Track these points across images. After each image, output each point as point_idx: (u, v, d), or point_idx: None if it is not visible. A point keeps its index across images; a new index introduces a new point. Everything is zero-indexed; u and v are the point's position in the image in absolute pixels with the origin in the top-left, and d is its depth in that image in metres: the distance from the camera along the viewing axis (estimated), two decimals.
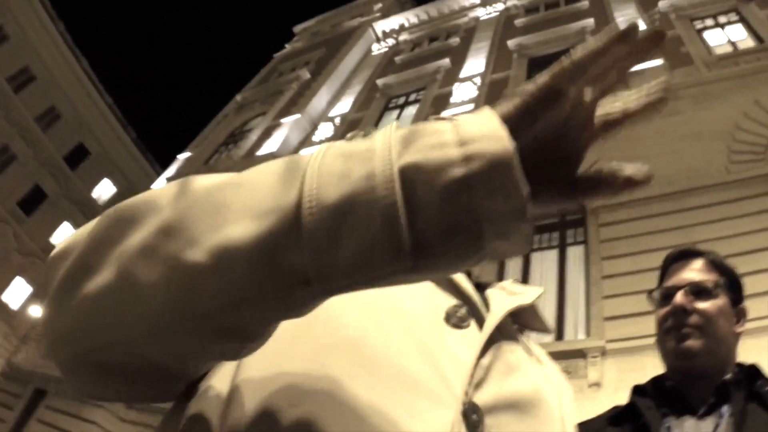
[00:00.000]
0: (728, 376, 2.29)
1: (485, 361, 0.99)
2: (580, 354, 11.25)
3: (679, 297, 2.41)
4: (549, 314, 12.80)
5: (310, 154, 0.73)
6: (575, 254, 14.04)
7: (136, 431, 15.77)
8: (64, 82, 38.81)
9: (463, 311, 1.05)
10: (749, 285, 9.19)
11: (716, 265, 2.52)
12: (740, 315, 2.49)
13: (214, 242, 0.70)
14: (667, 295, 2.48)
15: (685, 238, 12.10)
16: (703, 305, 2.38)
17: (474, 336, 1.03)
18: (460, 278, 1.14)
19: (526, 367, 1.09)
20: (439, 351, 0.95)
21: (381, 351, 0.90)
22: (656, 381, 2.46)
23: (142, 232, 0.76)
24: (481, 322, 1.06)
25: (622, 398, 2.50)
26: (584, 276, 13.20)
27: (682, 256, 2.60)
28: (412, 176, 0.66)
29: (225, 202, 0.73)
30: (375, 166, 0.67)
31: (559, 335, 12.29)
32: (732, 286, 2.49)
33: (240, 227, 0.69)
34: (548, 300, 13.09)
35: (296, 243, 0.67)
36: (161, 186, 0.85)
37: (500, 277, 11.59)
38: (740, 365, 2.38)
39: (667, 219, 12.92)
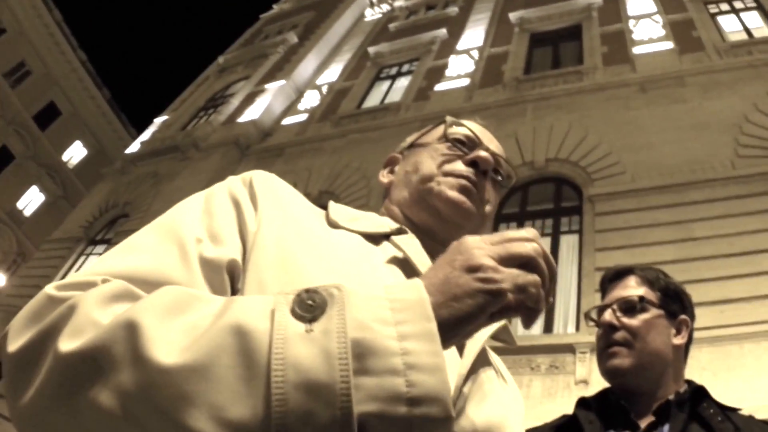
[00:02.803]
0: (671, 395, 2.41)
1: (465, 389, 1.18)
2: (569, 349, 11.28)
3: (607, 315, 2.58)
4: None
5: (265, 335, 0.87)
6: (569, 243, 14.07)
7: None
8: (35, 36, 38.45)
9: None
10: (750, 287, 9.25)
11: (647, 279, 2.65)
12: (681, 326, 2.60)
13: None
14: (601, 315, 2.64)
15: (684, 234, 12.17)
16: (629, 320, 2.52)
17: (453, 359, 1.18)
18: None
19: (497, 392, 1.30)
20: None
21: None
22: (602, 394, 2.58)
23: (103, 394, 0.87)
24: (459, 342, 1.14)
25: None
26: (577, 267, 13.22)
27: (616, 276, 2.75)
28: (368, 430, 0.83)
29: (185, 391, 0.83)
30: (335, 415, 0.81)
31: (548, 328, 12.33)
32: (668, 298, 2.60)
33: (208, 428, 0.81)
34: None
35: None
36: (102, 312, 0.96)
37: None
38: (689, 383, 2.50)
39: (667, 212, 12.95)
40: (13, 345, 0.98)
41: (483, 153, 1.68)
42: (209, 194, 1.34)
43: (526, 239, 1.07)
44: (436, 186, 1.62)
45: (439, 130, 1.79)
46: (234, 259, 1.20)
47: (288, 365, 0.83)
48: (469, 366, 1.22)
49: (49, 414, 0.92)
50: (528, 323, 1.06)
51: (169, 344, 0.87)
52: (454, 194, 1.61)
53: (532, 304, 1.02)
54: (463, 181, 1.63)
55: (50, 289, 1.04)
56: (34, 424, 0.94)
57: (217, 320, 0.90)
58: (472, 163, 1.67)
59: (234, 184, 1.36)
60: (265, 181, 1.38)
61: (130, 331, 0.89)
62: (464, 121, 1.79)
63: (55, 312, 0.98)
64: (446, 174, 1.65)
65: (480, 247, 1.04)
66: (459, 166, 1.66)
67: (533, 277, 1.03)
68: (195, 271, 1.15)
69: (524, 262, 1.04)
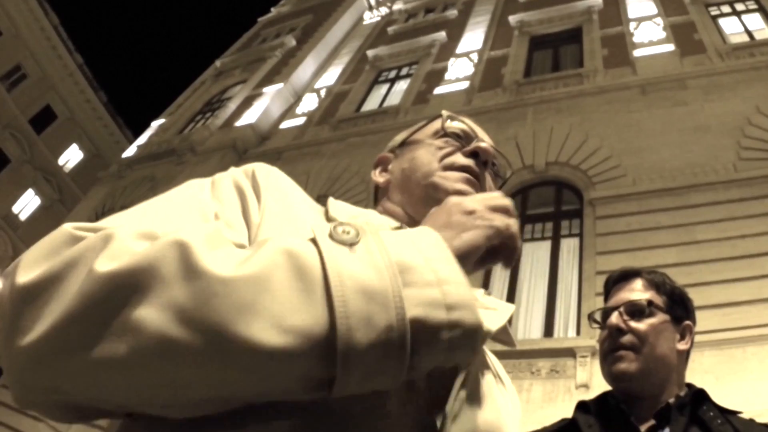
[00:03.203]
0: (672, 399, 2.40)
1: (462, 393, 1.21)
2: (570, 353, 11.26)
3: (614, 318, 2.55)
4: (539, 309, 12.85)
5: (314, 254, 0.93)
6: (569, 247, 14.08)
7: None
8: (31, 39, 38.48)
9: None
10: (753, 290, 9.24)
11: (654, 283, 2.63)
12: (685, 331, 2.59)
13: (244, 346, 0.84)
14: (606, 317, 2.62)
15: (686, 237, 12.16)
16: (637, 324, 2.50)
17: None
18: None
19: (494, 394, 1.35)
20: (420, 379, 1.14)
21: None
22: (601, 398, 2.57)
23: (152, 310, 0.85)
24: None
25: None
26: (577, 271, 13.21)
27: (622, 278, 2.72)
28: (418, 334, 0.91)
29: (247, 301, 0.86)
30: (391, 318, 0.89)
31: (548, 332, 12.33)
32: (674, 303, 2.59)
33: (272, 337, 0.85)
34: (538, 294, 13.15)
35: (327, 368, 0.88)
36: (149, 241, 0.94)
37: None
38: (690, 386, 2.50)
39: (669, 215, 12.95)
40: (26, 276, 0.92)
41: (483, 144, 1.68)
42: (215, 180, 1.34)
43: (502, 196, 1.25)
44: (441, 180, 1.61)
45: (434, 126, 1.78)
46: (243, 244, 1.18)
47: (344, 275, 0.90)
48: (465, 371, 1.24)
49: (69, 353, 0.86)
50: (509, 262, 1.22)
51: (222, 260, 0.90)
52: (461, 186, 1.59)
53: (514, 243, 1.20)
54: (466, 174, 1.63)
55: (69, 227, 1.00)
56: (46, 365, 0.88)
57: (261, 247, 0.94)
58: (473, 155, 1.67)
59: (237, 174, 1.35)
60: (267, 173, 1.37)
61: (180, 248, 0.90)
62: (459, 117, 1.79)
63: (82, 243, 0.95)
64: (447, 167, 1.64)
65: (468, 199, 1.22)
66: (460, 159, 1.66)
67: (514, 219, 1.22)
68: None
69: (504, 211, 1.21)
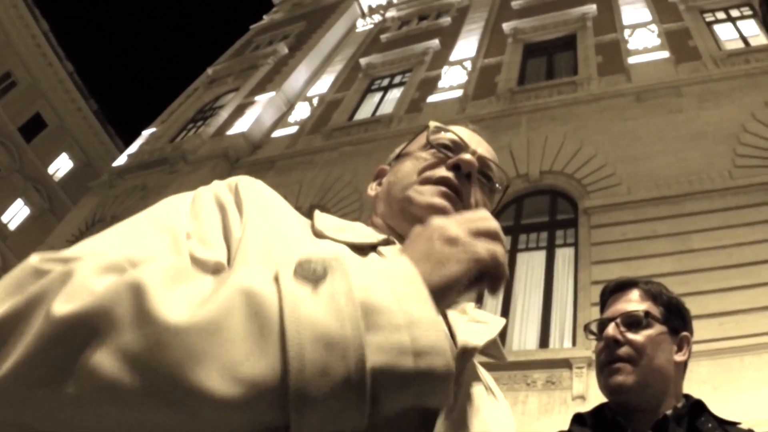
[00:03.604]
0: (669, 411, 2.38)
1: (452, 405, 1.20)
2: (566, 364, 11.24)
3: (610, 329, 2.53)
4: (534, 320, 12.83)
5: (273, 295, 0.89)
6: (564, 257, 14.07)
7: None
8: (21, 46, 38.42)
9: None
10: (749, 299, 9.26)
11: (651, 294, 2.61)
12: (682, 343, 2.58)
13: (193, 395, 0.82)
14: (602, 328, 2.60)
15: (682, 245, 12.17)
16: (634, 336, 2.48)
17: None
18: None
19: (486, 408, 1.33)
20: None
21: None
22: (598, 410, 2.55)
23: (105, 356, 0.84)
24: None
25: None
26: (573, 280, 13.21)
27: (618, 288, 2.70)
28: (379, 383, 0.87)
29: (198, 349, 0.84)
30: (350, 368, 0.85)
31: (544, 342, 12.31)
32: (671, 314, 2.58)
33: (223, 386, 0.82)
34: (533, 304, 13.13)
35: (281, 416, 0.85)
36: (111, 275, 0.93)
37: None
38: (687, 397, 2.48)
39: (664, 224, 12.96)
40: None
41: (465, 156, 1.64)
42: (195, 196, 1.32)
43: (488, 218, 1.19)
44: (414, 194, 1.60)
45: (423, 137, 1.76)
46: (220, 262, 1.19)
47: (301, 322, 0.86)
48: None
49: (28, 390, 0.85)
50: (494, 290, 1.15)
51: (176, 304, 0.87)
52: (435, 200, 1.57)
53: (499, 272, 1.13)
54: (442, 187, 1.59)
55: (34, 260, 0.99)
56: (7, 401, 0.87)
57: (221, 285, 0.91)
58: (455, 168, 1.64)
59: (219, 188, 1.34)
60: (250, 187, 1.36)
61: (135, 292, 0.88)
62: (449, 126, 1.77)
63: (44, 279, 0.93)
64: (424, 181, 1.62)
65: (451, 223, 1.15)
66: (439, 172, 1.63)
67: (501, 247, 1.15)
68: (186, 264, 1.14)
69: (489, 236, 1.15)
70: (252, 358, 0.84)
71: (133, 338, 0.84)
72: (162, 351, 0.83)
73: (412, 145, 1.79)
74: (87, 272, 0.92)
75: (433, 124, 1.77)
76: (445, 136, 1.73)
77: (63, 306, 0.87)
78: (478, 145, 1.74)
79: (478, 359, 1.44)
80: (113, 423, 0.85)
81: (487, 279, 1.13)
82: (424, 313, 0.93)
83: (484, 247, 1.12)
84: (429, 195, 1.58)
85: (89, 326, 0.85)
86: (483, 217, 1.18)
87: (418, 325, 0.91)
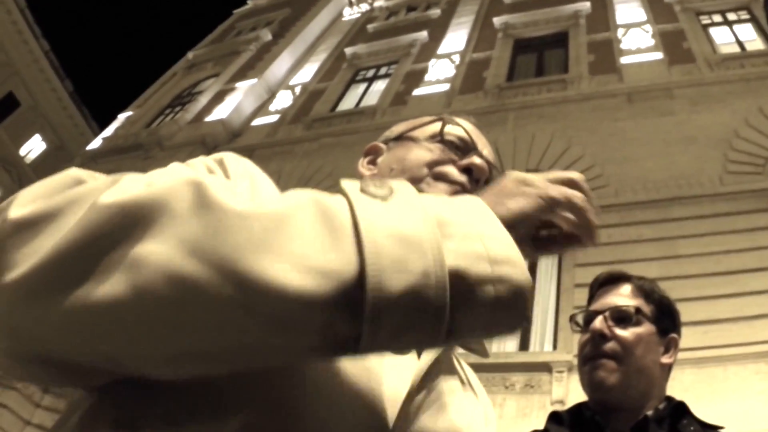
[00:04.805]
0: (650, 411, 2.34)
1: (419, 396, 1.18)
2: (545, 368, 11.29)
3: (598, 322, 2.46)
4: None
5: (343, 201, 0.88)
6: (547, 258, 14.07)
7: (50, 417, 15.55)
8: None
9: None
10: (735, 308, 9.26)
11: (644, 291, 2.56)
12: (670, 345, 2.52)
13: (260, 285, 0.77)
14: (589, 320, 2.54)
15: (669, 251, 12.21)
16: (622, 332, 2.42)
17: (412, 363, 1.20)
18: None
19: (460, 403, 1.30)
20: (376, 380, 1.11)
21: (328, 379, 1.04)
22: (576, 409, 2.51)
23: (160, 243, 0.79)
24: None
25: None
26: (555, 283, 13.23)
27: (610, 280, 2.65)
28: (458, 287, 0.84)
29: (266, 238, 0.80)
30: (428, 264, 0.83)
31: (524, 345, 12.33)
32: (661, 314, 2.52)
33: (292, 276, 0.78)
34: None
35: (354, 318, 0.81)
36: (160, 179, 0.88)
37: None
38: (669, 399, 2.43)
39: (651, 228, 13.01)
40: (19, 210, 0.86)
41: (478, 160, 1.60)
42: (189, 165, 1.28)
43: (571, 172, 1.20)
44: (427, 188, 1.53)
45: (434, 128, 1.69)
46: None
47: (375, 222, 0.85)
48: (422, 374, 1.20)
49: (66, 287, 0.79)
50: (588, 240, 1.21)
51: (239, 197, 0.85)
52: None
53: (582, 216, 1.16)
54: (458, 188, 1.55)
55: (75, 171, 0.95)
56: (33, 302, 0.81)
57: (284, 195, 0.91)
58: (466, 170, 1.59)
59: (207, 162, 1.31)
60: (236, 162, 1.33)
61: (194, 185, 0.85)
62: (461, 121, 1.72)
63: (87, 184, 0.90)
64: (437, 177, 1.57)
65: (531, 174, 1.15)
66: (453, 172, 1.58)
67: (580, 194, 1.15)
68: None
69: (567, 183, 1.16)
70: (324, 250, 0.81)
71: (193, 225, 0.80)
72: (225, 236, 0.79)
73: (418, 132, 1.71)
74: (136, 178, 0.90)
75: (447, 117, 1.72)
76: (457, 133, 1.67)
77: (112, 196, 0.83)
78: (484, 146, 1.69)
79: (461, 355, 1.42)
80: (164, 328, 0.80)
81: (577, 229, 1.17)
82: (494, 229, 0.93)
83: (557, 189, 1.12)
84: (443, 193, 1.51)
85: (142, 215, 0.81)
86: (565, 172, 1.19)
87: (490, 237, 0.90)
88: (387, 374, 1.12)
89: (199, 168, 1.26)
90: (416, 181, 1.53)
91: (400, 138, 1.74)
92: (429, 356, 1.23)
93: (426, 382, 1.20)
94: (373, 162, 1.74)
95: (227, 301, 0.77)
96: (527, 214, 1.07)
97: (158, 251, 0.78)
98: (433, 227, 0.86)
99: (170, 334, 0.80)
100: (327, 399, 1.01)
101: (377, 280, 0.79)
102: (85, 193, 0.86)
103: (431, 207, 0.90)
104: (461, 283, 0.84)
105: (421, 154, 1.62)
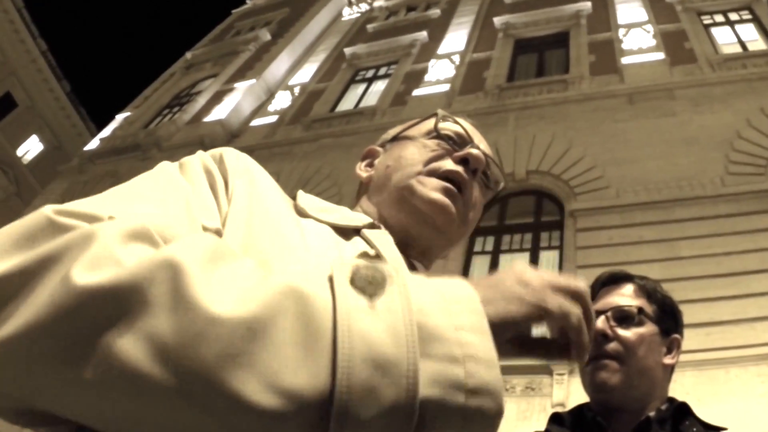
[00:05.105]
0: (652, 413, 2.33)
1: None
2: (546, 370, 11.28)
3: (600, 322, 2.44)
4: None
5: (327, 304, 0.85)
6: (548, 260, 14.09)
7: None
8: None
9: None
10: (737, 310, 9.26)
11: (646, 291, 2.55)
12: (672, 345, 2.52)
13: (227, 402, 0.77)
14: None
15: (670, 252, 12.20)
16: (624, 332, 2.41)
17: None
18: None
19: None
20: None
21: None
22: (577, 410, 2.51)
23: (130, 339, 0.78)
24: None
25: None
26: None
27: (612, 280, 2.64)
28: (427, 414, 0.83)
29: (239, 349, 0.78)
30: (400, 394, 0.81)
31: None
32: (664, 314, 2.52)
33: (261, 396, 0.77)
34: None
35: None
36: (137, 244, 0.88)
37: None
38: (671, 400, 2.42)
39: (652, 229, 13.00)
40: None
41: (475, 151, 1.60)
42: (183, 163, 1.29)
43: (576, 281, 1.12)
44: (418, 185, 1.54)
45: (428, 124, 1.70)
46: (219, 229, 1.18)
47: (354, 337, 0.82)
48: None
49: (36, 360, 0.80)
50: (579, 357, 1.13)
51: (219, 293, 0.82)
52: (437, 196, 1.52)
53: (574, 335, 1.09)
54: (446, 183, 1.55)
55: (49, 211, 0.93)
56: (10, 367, 0.82)
57: (266, 279, 0.87)
58: (462, 162, 1.59)
59: (205, 158, 1.32)
60: (236, 158, 1.34)
61: (172, 271, 0.82)
62: (456, 117, 1.71)
63: (61, 238, 0.87)
64: (431, 172, 1.57)
65: (533, 271, 1.08)
66: (447, 164, 1.58)
67: (577, 309, 1.08)
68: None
69: (569, 293, 1.08)
70: (296, 368, 0.80)
71: (166, 324, 0.79)
72: (200, 345, 0.78)
73: (414, 130, 1.72)
74: (111, 237, 0.87)
75: (441, 112, 1.72)
76: (452, 128, 1.67)
77: (86, 274, 0.81)
78: (480, 141, 1.69)
79: None
80: (127, 416, 0.80)
81: (561, 348, 1.13)
82: (481, 346, 0.89)
83: (555, 300, 1.06)
84: (431, 188, 1.54)
85: (118, 303, 0.80)
86: (569, 279, 1.12)
87: (475, 360, 0.88)
88: None
89: (195, 167, 1.27)
90: (410, 177, 1.56)
91: (397, 138, 1.74)
92: None
93: None
94: (370, 165, 1.75)
95: (190, 411, 0.78)
96: (517, 322, 1.03)
97: (126, 347, 0.78)
98: (414, 345, 0.84)
99: (132, 421, 0.81)
100: None
101: (344, 409, 0.79)
102: (57, 253, 0.85)
103: (418, 310, 0.88)
104: (432, 411, 0.84)
105: (417, 150, 1.63)
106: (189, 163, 1.28)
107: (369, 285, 0.89)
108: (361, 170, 1.75)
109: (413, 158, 1.61)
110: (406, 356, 0.83)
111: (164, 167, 1.27)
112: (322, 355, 0.81)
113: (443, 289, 0.94)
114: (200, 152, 1.35)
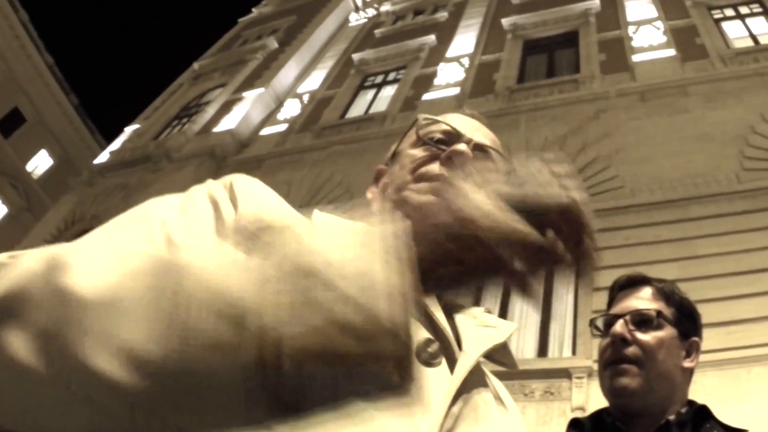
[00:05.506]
0: (672, 416, 2.32)
1: (455, 408, 1.15)
2: (565, 374, 11.22)
3: (618, 326, 2.44)
4: (532, 327, 12.77)
5: (182, 260, 0.81)
6: None
7: None
8: None
9: (434, 347, 1.18)
10: (758, 307, 9.21)
11: (665, 294, 2.54)
12: (691, 349, 2.50)
13: (92, 377, 0.74)
14: (609, 324, 2.52)
15: (687, 251, 12.14)
16: (643, 336, 2.41)
17: (444, 375, 1.18)
18: (434, 304, 1.27)
19: (494, 417, 1.28)
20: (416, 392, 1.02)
21: None
22: (596, 415, 2.50)
23: (16, 333, 0.78)
24: (451, 359, 1.21)
25: None
26: (573, 287, 13.14)
27: (630, 283, 2.63)
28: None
29: (98, 327, 0.76)
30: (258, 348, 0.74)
31: (542, 351, 12.27)
32: (683, 317, 2.51)
33: (114, 366, 0.74)
34: (531, 311, 13.07)
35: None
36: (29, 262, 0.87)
37: None
38: (691, 403, 2.41)
39: (669, 228, 12.94)
40: None
41: (458, 147, 1.55)
42: (185, 195, 1.28)
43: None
44: (409, 194, 1.50)
45: (413, 133, 1.68)
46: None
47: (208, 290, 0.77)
48: (458, 383, 1.18)
49: None
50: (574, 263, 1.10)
51: (86, 274, 0.81)
52: (424, 198, 1.47)
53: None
54: (436, 184, 1.48)
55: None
56: None
57: (137, 254, 0.86)
58: (449, 161, 1.54)
59: (213, 185, 1.30)
60: (245, 183, 1.31)
61: (48, 264, 0.83)
62: (439, 117, 1.67)
63: None
64: (418, 179, 1.53)
65: None
66: (433, 168, 1.54)
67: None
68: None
69: None
70: (144, 335, 0.75)
71: (41, 315, 0.79)
72: (65, 328, 0.77)
73: (403, 143, 1.71)
74: (24, 259, 0.88)
75: (421, 116, 1.69)
76: (438, 128, 1.64)
77: None
78: (475, 131, 1.64)
79: (488, 367, 1.40)
80: (21, 406, 0.80)
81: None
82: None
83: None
84: (423, 193, 1.48)
85: (9, 303, 0.81)
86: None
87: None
88: (424, 387, 1.09)
89: (202, 194, 1.26)
90: (401, 190, 1.53)
91: (393, 156, 1.73)
92: (463, 369, 1.21)
93: (461, 394, 1.19)
94: (377, 185, 1.74)
95: (64, 394, 0.77)
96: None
97: (10, 341, 0.78)
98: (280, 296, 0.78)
99: (30, 413, 0.80)
100: None
101: (190, 370, 0.76)
102: None
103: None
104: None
105: (406, 162, 1.60)
106: (192, 193, 1.28)
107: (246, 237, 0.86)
108: (370, 192, 1.74)
109: (403, 171, 1.59)
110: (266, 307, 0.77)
111: (148, 203, 1.24)
112: (167, 316, 0.76)
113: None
114: (209, 181, 1.34)
